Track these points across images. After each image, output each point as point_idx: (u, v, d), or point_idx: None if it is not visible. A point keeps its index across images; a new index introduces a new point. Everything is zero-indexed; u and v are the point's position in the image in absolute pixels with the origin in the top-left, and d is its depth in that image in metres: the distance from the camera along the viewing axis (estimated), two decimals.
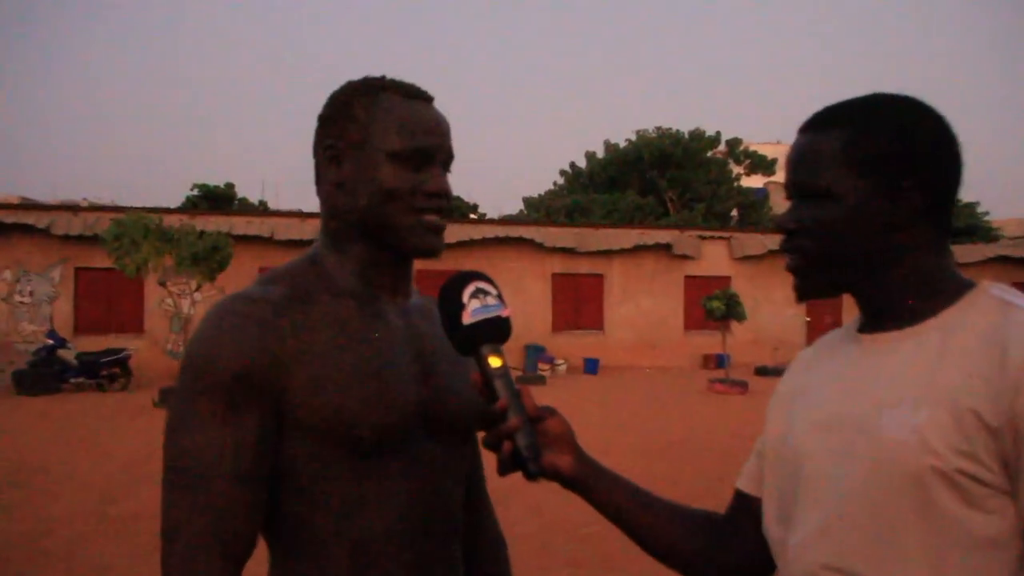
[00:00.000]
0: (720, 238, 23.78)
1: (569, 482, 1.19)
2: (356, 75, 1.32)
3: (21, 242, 18.49)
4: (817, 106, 1.16)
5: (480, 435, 1.20)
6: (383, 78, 1.29)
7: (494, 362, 1.15)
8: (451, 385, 1.30)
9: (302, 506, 1.17)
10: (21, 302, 18.49)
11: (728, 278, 23.33)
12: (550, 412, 1.19)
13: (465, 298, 1.16)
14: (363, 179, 1.24)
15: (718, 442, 10.25)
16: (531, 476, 1.12)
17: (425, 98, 1.28)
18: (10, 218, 18.25)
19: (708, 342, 22.50)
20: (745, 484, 1.25)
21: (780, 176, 40.34)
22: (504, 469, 1.13)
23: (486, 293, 1.18)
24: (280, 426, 1.15)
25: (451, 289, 1.18)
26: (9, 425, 11.67)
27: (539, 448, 1.14)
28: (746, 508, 1.24)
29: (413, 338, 1.29)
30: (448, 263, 20.80)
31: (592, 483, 1.20)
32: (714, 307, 16.78)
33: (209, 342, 1.13)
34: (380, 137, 1.23)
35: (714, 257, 23.54)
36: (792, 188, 1.15)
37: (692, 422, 12.07)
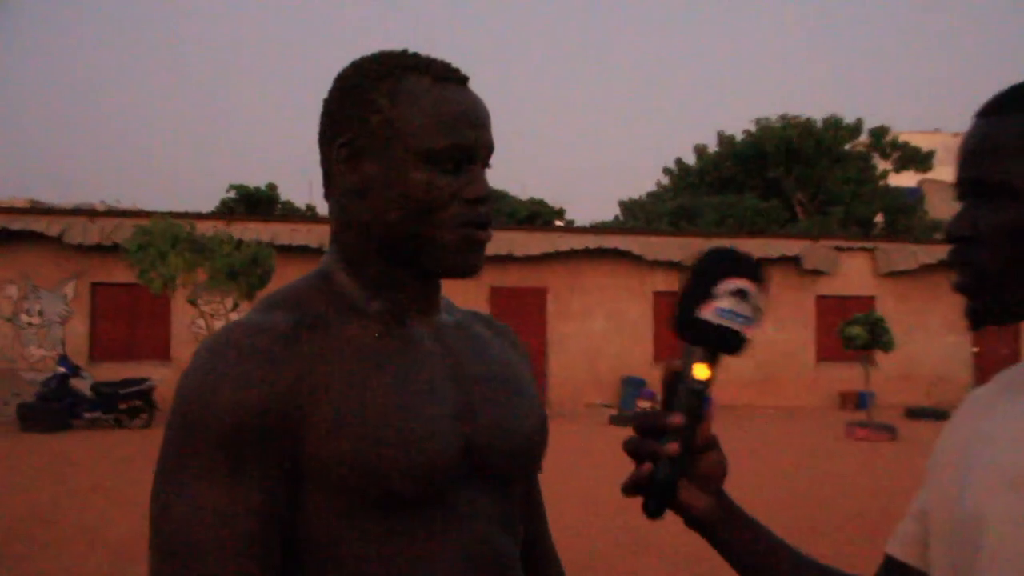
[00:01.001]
0: (862, 249, 23.39)
1: (700, 526, 1.19)
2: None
3: (29, 252, 19.18)
4: (995, 86, 1.13)
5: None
6: (405, 54, 1.26)
7: (700, 371, 1.12)
8: (502, 419, 1.27)
9: (324, 572, 1.14)
10: (29, 323, 19.15)
11: (871, 299, 22.92)
12: (714, 443, 1.19)
13: (720, 290, 1.11)
14: (389, 186, 1.21)
15: (858, 499, 10.03)
16: (651, 514, 1.12)
17: (458, 79, 1.25)
18: (17, 224, 18.95)
19: (846, 377, 22.16)
20: (900, 551, 1.23)
21: (937, 173, 39.49)
22: (630, 489, 1.13)
23: (748, 298, 1.12)
24: (296, 480, 1.13)
25: (712, 267, 1.13)
26: (13, 467, 12.04)
27: (676, 485, 1.13)
28: None
29: (452, 364, 1.27)
30: (528, 279, 20.85)
31: (728, 529, 1.20)
32: (854, 334, 16.46)
33: (203, 385, 1.10)
34: (409, 133, 1.20)
35: (854, 273, 23.14)
36: (965, 186, 1.12)
37: (826, 474, 11.86)
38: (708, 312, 1.11)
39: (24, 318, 19.15)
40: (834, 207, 34.24)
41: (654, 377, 21.34)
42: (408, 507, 1.15)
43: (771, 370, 22.55)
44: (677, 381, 1.13)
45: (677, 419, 1.11)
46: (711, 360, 1.13)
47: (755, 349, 22.27)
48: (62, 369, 16.66)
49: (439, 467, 1.17)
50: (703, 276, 1.13)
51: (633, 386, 20.34)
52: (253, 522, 1.08)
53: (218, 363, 1.11)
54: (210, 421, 1.08)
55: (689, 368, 1.12)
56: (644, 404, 19.74)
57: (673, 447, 1.10)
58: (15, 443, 14.53)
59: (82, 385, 16.79)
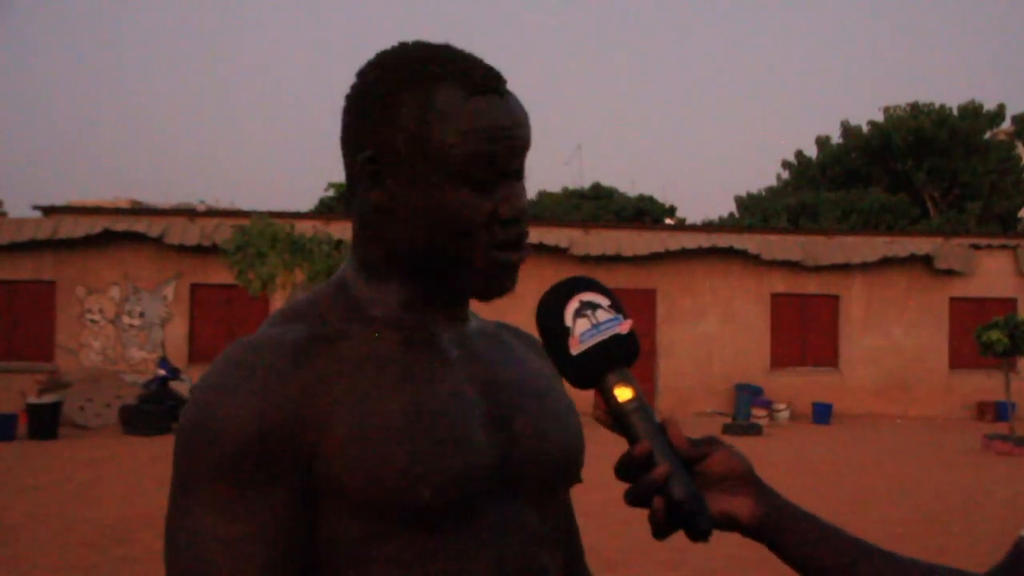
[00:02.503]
0: (1003, 247, 22.71)
1: (752, 531, 1.14)
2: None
3: (131, 253, 19.91)
4: None
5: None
6: (436, 55, 1.20)
7: (623, 394, 1.12)
8: (537, 427, 1.25)
9: None
10: (130, 324, 19.87)
11: (1013, 301, 22.28)
12: (711, 445, 1.15)
13: (568, 320, 1.13)
14: (418, 207, 1.17)
15: (999, 520, 9.73)
16: (699, 535, 1.09)
17: (496, 89, 1.19)
18: (119, 225, 19.68)
19: (984, 386, 21.61)
20: None
21: None
22: (661, 532, 1.10)
23: (595, 307, 1.14)
24: (314, 502, 1.10)
25: (548, 312, 1.15)
26: (116, 470, 12.54)
27: (699, 496, 1.09)
28: None
29: (480, 372, 1.24)
30: (636, 280, 20.80)
31: (782, 530, 1.15)
32: (993, 339, 16.03)
33: (209, 406, 1.08)
34: (440, 153, 1.15)
35: (993, 273, 22.49)
36: None
37: (959, 490, 11.57)
38: (576, 347, 1.12)
39: (126, 320, 19.88)
40: (971, 201, 33.29)
41: (771, 384, 21.11)
42: (439, 524, 1.12)
43: (900, 377, 22.06)
44: (618, 417, 1.12)
45: (642, 446, 1.09)
46: (622, 379, 1.12)
47: (883, 355, 21.93)
48: (162, 372, 17.23)
49: (471, 477, 1.14)
50: (549, 322, 1.14)
51: (749, 394, 20.10)
52: (264, 552, 1.06)
53: (221, 384, 1.09)
54: (211, 447, 1.06)
55: (614, 399, 1.12)
56: (760, 412, 19.51)
57: (662, 467, 1.08)
58: (118, 445, 15.09)
59: (182, 388, 17.35)
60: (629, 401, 1.12)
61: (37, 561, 7.55)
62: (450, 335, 1.25)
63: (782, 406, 20.43)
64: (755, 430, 17.89)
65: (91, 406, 17.71)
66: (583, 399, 1.15)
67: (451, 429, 1.14)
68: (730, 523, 1.14)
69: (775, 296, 21.92)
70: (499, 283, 1.20)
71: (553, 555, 1.26)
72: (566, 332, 1.13)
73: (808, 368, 21.92)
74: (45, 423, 15.79)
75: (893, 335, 22.17)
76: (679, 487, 1.08)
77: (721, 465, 1.14)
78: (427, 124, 1.15)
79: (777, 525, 1.14)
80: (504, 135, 1.17)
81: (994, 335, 16.11)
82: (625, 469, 1.10)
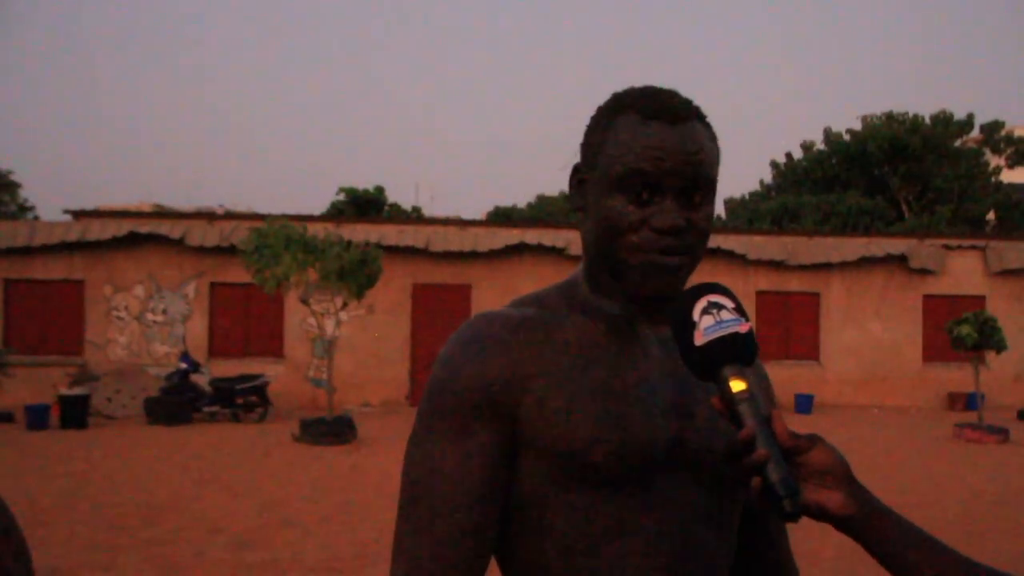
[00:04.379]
0: (972, 248, 22.68)
1: (841, 523, 1.18)
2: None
3: (154, 254, 19.92)
4: None
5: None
6: (637, 90, 1.35)
7: (736, 385, 1.19)
8: (714, 419, 1.34)
9: (533, 535, 1.29)
10: (154, 321, 19.90)
11: (982, 298, 22.23)
12: (813, 441, 1.20)
13: (696, 315, 1.21)
14: (593, 209, 1.34)
15: (965, 501, 9.75)
16: (786, 516, 1.14)
17: (668, 118, 1.30)
18: (144, 227, 19.70)
19: (955, 378, 21.62)
20: None
21: None
22: (754, 508, 1.19)
23: (720, 307, 1.22)
24: (516, 448, 1.28)
25: (679, 309, 1.23)
26: (141, 457, 12.57)
27: (795, 482, 1.14)
28: None
29: (672, 366, 1.35)
30: None
31: (871, 526, 1.18)
32: (963, 334, 16.03)
33: (447, 363, 1.30)
34: (607, 163, 1.31)
35: (963, 271, 22.47)
36: None
37: (934, 477, 11.62)
38: (700, 339, 1.20)
39: (150, 317, 19.90)
40: (942, 205, 33.29)
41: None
42: (612, 485, 1.26)
43: (876, 370, 22.07)
44: (730, 405, 1.18)
45: (747, 431, 1.15)
46: (736, 373, 1.19)
47: (861, 349, 21.95)
48: (184, 365, 17.28)
49: (645, 449, 1.27)
50: (680, 317, 1.22)
51: None
52: (478, 473, 1.25)
53: (459, 347, 1.30)
54: (448, 395, 1.27)
55: (728, 389, 1.18)
56: None
57: (762, 451, 1.13)
58: (143, 435, 15.13)
59: (202, 381, 17.39)
60: (741, 392, 1.18)
61: (69, 542, 7.58)
62: (654, 332, 1.37)
63: None
64: None
65: (118, 397, 17.75)
66: None
67: (635, 406, 1.28)
68: (821, 513, 1.18)
69: (760, 293, 21.91)
70: (652, 282, 1.30)
71: (720, 539, 1.36)
72: (693, 326, 1.21)
73: (791, 361, 21.91)
74: (75, 413, 15.84)
75: (871, 330, 22.17)
76: (775, 471, 1.13)
77: (820, 460, 1.19)
78: (605, 141, 1.32)
79: (867, 522, 1.18)
80: (656, 155, 1.28)
81: (964, 330, 16.11)
82: (731, 451, 1.17)
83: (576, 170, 1.38)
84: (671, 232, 1.27)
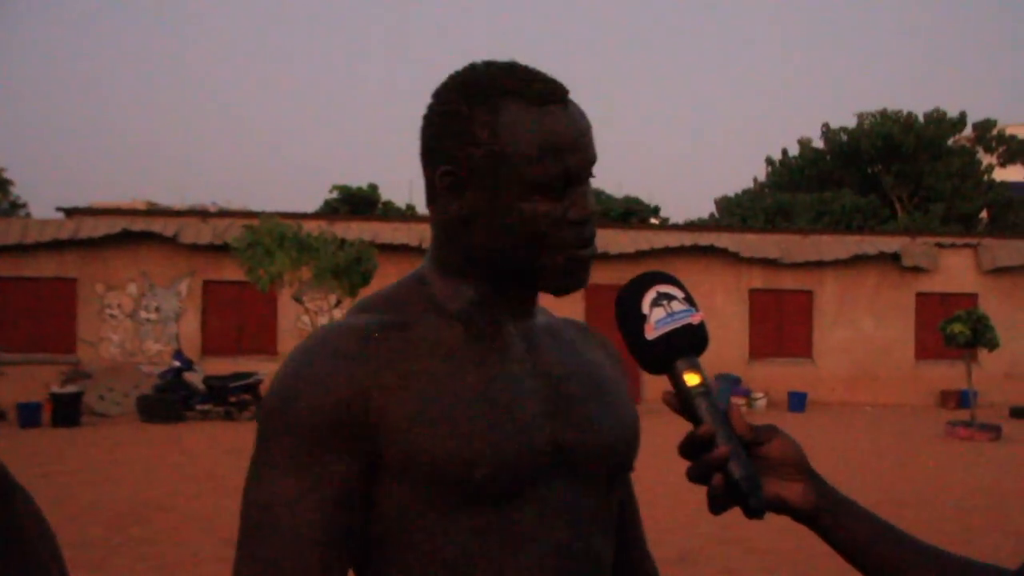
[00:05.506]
0: (964, 246, 22.74)
1: (802, 516, 1.16)
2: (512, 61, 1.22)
3: (147, 252, 19.88)
4: None
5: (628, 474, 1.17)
6: (502, 72, 1.22)
7: (691, 379, 1.14)
8: (592, 417, 1.26)
9: (409, 567, 1.15)
10: (147, 319, 19.86)
11: (974, 296, 22.29)
12: (771, 433, 1.17)
13: (645, 307, 1.16)
14: (496, 216, 1.20)
15: (961, 501, 9.78)
16: (751, 513, 1.11)
17: (559, 99, 1.21)
18: (137, 225, 19.67)
19: (947, 375, 21.65)
20: None
21: None
22: (717, 506, 1.12)
23: (670, 297, 1.17)
24: (377, 472, 1.14)
25: (627, 299, 1.18)
26: (134, 455, 12.55)
27: (755, 476, 1.11)
28: None
29: (540, 364, 1.26)
30: (623, 277, 20.79)
31: (833, 518, 1.16)
32: (956, 332, 16.06)
33: (289, 380, 1.14)
34: (514, 165, 1.18)
35: (955, 269, 22.52)
36: None
37: (927, 474, 11.62)
38: (651, 332, 1.14)
39: (143, 314, 19.86)
40: (935, 203, 33.35)
41: (749, 374, 21.15)
42: (493, 502, 1.14)
43: (869, 367, 22.11)
44: (685, 401, 1.15)
45: (706, 427, 1.11)
46: (691, 366, 1.15)
47: (854, 346, 21.96)
48: (177, 363, 17.26)
49: (525, 460, 1.16)
50: (627, 308, 1.17)
51: (728, 383, 20.15)
52: (324, 511, 1.09)
53: (301, 363, 1.14)
54: (291, 418, 1.11)
55: (683, 384, 1.14)
56: (739, 401, 19.56)
57: (723, 448, 1.10)
58: (136, 432, 15.11)
59: (195, 379, 17.35)
60: (696, 386, 1.14)
61: (60, 540, 7.52)
62: (517, 329, 1.27)
63: (759, 395, 20.47)
64: None
65: (110, 395, 17.71)
66: (650, 389, 1.15)
67: (507, 414, 1.17)
68: (782, 506, 1.15)
69: (753, 291, 21.93)
70: (574, 279, 1.23)
71: (606, 540, 1.27)
72: (643, 319, 1.15)
73: (784, 359, 21.94)
74: (68, 411, 15.81)
75: (863, 328, 22.20)
76: (737, 467, 1.10)
77: (778, 452, 1.16)
78: (499, 138, 1.18)
79: (826, 513, 1.16)
80: (573, 147, 1.19)
81: (957, 328, 16.13)
82: (689, 448, 1.13)
83: (450, 173, 1.21)
84: (587, 222, 1.21)
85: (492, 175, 1.19)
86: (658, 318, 1.15)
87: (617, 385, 1.35)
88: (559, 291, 1.24)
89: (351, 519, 1.12)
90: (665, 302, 1.16)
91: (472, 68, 1.25)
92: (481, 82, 1.21)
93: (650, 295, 1.16)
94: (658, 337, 1.14)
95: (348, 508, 1.12)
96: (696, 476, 1.12)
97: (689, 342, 1.15)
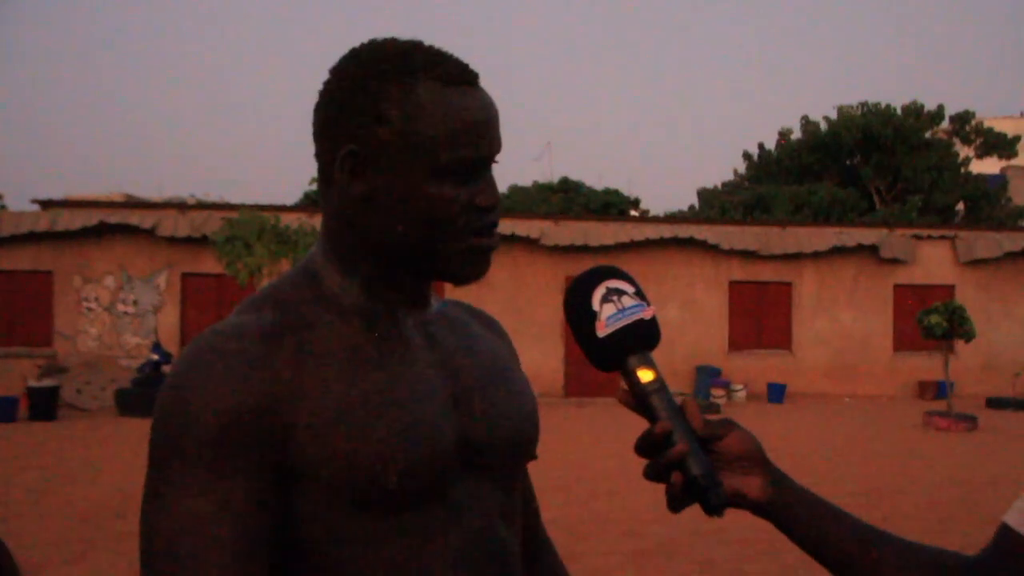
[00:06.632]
0: (941, 238, 22.88)
1: (760, 509, 1.16)
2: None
3: (124, 244, 19.78)
4: None
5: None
6: (410, 50, 1.17)
7: (645, 376, 1.13)
8: (494, 408, 1.24)
9: (318, 572, 1.10)
10: (125, 312, 19.75)
11: (951, 287, 22.44)
12: (727, 427, 1.16)
13: (596, 304, 1.14)
14: (399, 199, 1.15)
15: (935, 489, 9.85)
16: (711, 510, 1.10)
17: (471, 81, 1.17)
18: (114, 218, 19.55)
19: (924, 366, 21.80)
20: (1017, 520, 1.13)
21: (1023, 159, 38.36)
22: (676, 504, 1.12)
23: (620, 293, 1.15)
24: (288, 483, 1.08)
25: (577, 296, 1.16)
26: (112, 450, 12.48)
27: (714, 473, 1.11)
28: (1017, 552, 1.13)
29: (441, 357, 1.23)
30: None
31: (790, 510, 1.16)
32: (933, 323, 16.16)
33: (182, 391, 1.05)
34: (422, 147, 1.13)
35: (933, 261, 22.66)
36: None
37: (904, 465, 11.69)
38: (602, 330, 1.12)
39: (120, 307, 19.76)
40: (913, 195, 33.53)
41: (729, 365, 21.22)
42: (407, 504, 1.11)
43: (848, 359, 22.23)
44: (640, 398, 1.13)
45: (663, 425, 1.10)
46: (644, 362, 1.13)
47: (832, 338, 22.09)
48: (155, 356, 17.16)
49: (436, 460, 1.13)
50: (577, 305, 1.15)
51: (708, 375, 20.25)
52: (233, 530, 1.03)
53: (193, 371, 1.06)
54: (186, 432, 1.03)
55: (637, 381, 1.13)
56: (719, 392, 19.64)
57: (681, 446, 1.09)
58: (114, 426, 15.02)
59: None
60: (651, 383, 1.13)
61: (37, 536, 7.51)
62: (413, 320, 1.23)
63: (739, 386, 20.56)
64: (714, 409, 17.98)
65: (88, 389, 17.60)
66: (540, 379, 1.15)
67: (417, 414, 1.13)
68: (741, 500, 1.14)
69: (733, 283, 22.00)
70: (476, 268, 1.19)
71: (512, 530, 1.26)
72: (593, 316, 1.13)
73: (764, 351, 22.03)
74: (44, 406, 15.70)
75: (842, 319, 22.31)
76: (695, 464, 1.09)
77: (735, 446, 1.14)
78: (409, 118, 1.13)
79: (785, 505, 1.16)
80: (484, 130, 1.16)
81: (934, 319, 16.24)
82: (645, 446, 1.12)
83: (352, 153, 1.14)
84: (493, 209, 1.18)
85: (399, 156, 1.14)
86: (609, 314, 1.13)
87: (515, 372, 1.33)
88: (460, 280, 1.19)
89: (264, 532, 1.05)
90: (615, 298, 1.14)
91: (378, 44, 1.19)
92: (391, 58, 1.16)
93: (600, 291, 1.15)
94: (610, 334, 1.13)
95: (259, 524, 1.05)
96: (654, 474, 1.12)
97: (641, 337, 1.14)
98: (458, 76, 1.16)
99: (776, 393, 20.39)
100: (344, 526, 1.09)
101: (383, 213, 1.16)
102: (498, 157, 1.20)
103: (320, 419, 1.08)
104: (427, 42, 1.21)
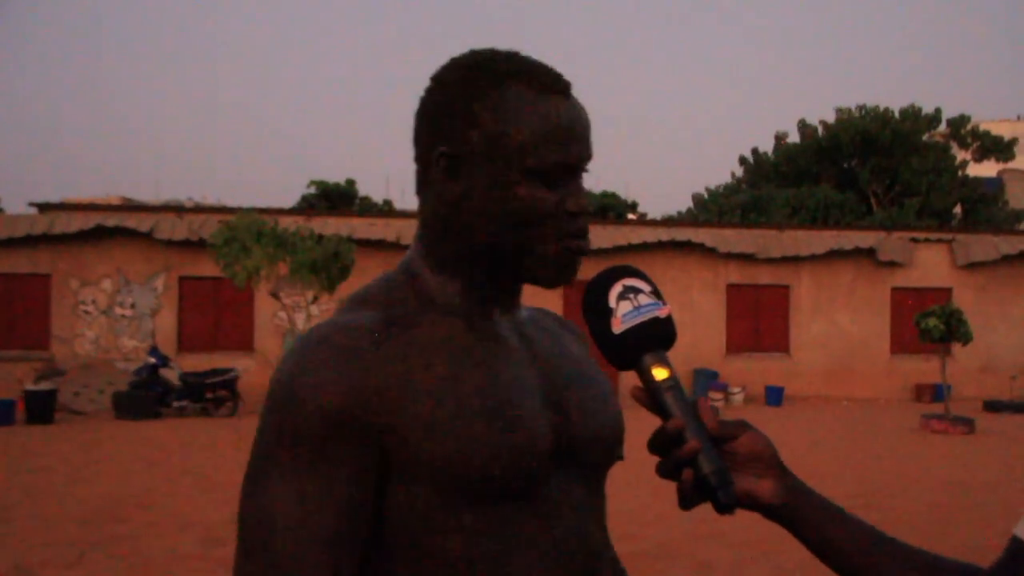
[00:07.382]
0: (939, 241, 22.91)
1: (771, 511, 1.16)
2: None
3: (122, 247, 19.75)
4: None
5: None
6: (507, 58, 1.22)
7: (659, 373, 1.14)
8: (587, 408, 1.26)
9: (419, 568, 1.13)
10: (122, 315, 19.74)
11: (948, 290, 22.47)
12: (741, 428, 1.16)
13: (612, 302, 1.15)
14: (492, 200, 1.19)
15: (932, 492, 9.85)
16: (722, 508, 1.10)
17: (562, 90, 1.21)
18: (111, 221, 19.52)
19: (922, 369, 21.80)
20: None
21: (1019, 162, 38.48)
22: (687, 502, 1.12)
23: (637, 291, 1.16)
24: (387, 476, 1.12)
25: (594, 294, 1.17)
26: (111, 453, 12.47)
27: (726, 471, 1.11)
28: None
29: (534, 358, 1.25)
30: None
31: (801, 513, 1.16)
32: (930, 326, 16.17)
33: (294, 380, 1.10)
34: (515, 149, 1.17)
35: (930, 264, 22.69)
36: None
37: (901, 467, 11.69)
38: (618, 327, 1.14)
39: (118, 311, 19.74)
40: (910, 198, 33.56)
41: (727, 368, 21.23)
42: (505, 499, 1.13)
43: (845, 361, 22.24)
44: (654, 395, 1.14)
45: (675, 422, 1.11)
46: (659, 360, 1.14)
47: (830, 341, 22.10)
48: (152, 360, 17.13)
49: (536, 456, 1.15)
50: (594, 303, 1.17)
51: (706, 377, 20.25)
52: (330, 516, 1.07)
53: (307, 361, 1.10)
54: (296, 418, 1.08)
55: (652, 378, 1.14)
56: (717, 395, 19.64)
57: (693, 443, 1.10)
58: (111, 430, 15.00)
59: (171, 375, 17.25)
60: (665, 380, 1.13)
61: (34, 538, 7.51)
62: (507, 322, 1.27)
63: (737, 389, 20.56)
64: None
65: (85, 392, 17.58)
66: (627, 383, 1.16)
67: (518, 411, 1.16)
68: (752, 502, 1.15)
69: (730, 286, 22.01)
70: (565, 271, 1.22)
71: (603, 530, 1.28)
72: (609, 313, 1.15)
73: (761, 353, 22.04)
74: (42, 409, 15.69)
75: (839, 322, 22.32)
76: (707, 462, 1.10)
77: (748, 447, 1.15)
78: (502, 121, 1.17)
79: (796, 508, 1.15)
80: (574, 137, 1.19)
81: (931, 322, 16.24)
82: (658, 443, 1.13)
83: (445, 154, 1.19)
84: (583, 213, 1.21)
85: (492, 158, 1.18)
86: (625, 312, 1.14)
87: (600, 375, 1.35)
88: (550, 283, 1.22)
89: (360, 522, 1.10)
90: (632, 296, 1.16)
91: (475, 52, 1.24)
92: (485, 65, 1.21)
93: (616, 289, 1.16)
94: (625, 331, 1.14)
95: (357, 510, 1.09)
96: (665, 472, 1.13)
97: (657, 336, 1.15)
98: (550, 84, 1.20)
99: (774, 396, 20.40)
100: (442, 518, 1.12)
101: (475, 214, 1.20)
102: (589, 166, 1.23)
103: (425, 413, 1.11)
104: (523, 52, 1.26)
